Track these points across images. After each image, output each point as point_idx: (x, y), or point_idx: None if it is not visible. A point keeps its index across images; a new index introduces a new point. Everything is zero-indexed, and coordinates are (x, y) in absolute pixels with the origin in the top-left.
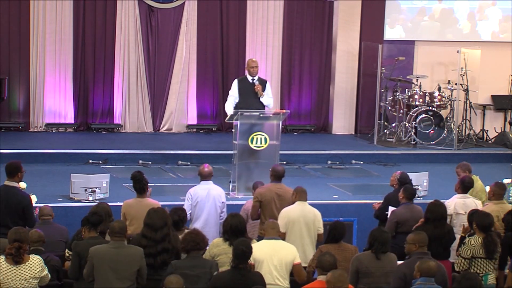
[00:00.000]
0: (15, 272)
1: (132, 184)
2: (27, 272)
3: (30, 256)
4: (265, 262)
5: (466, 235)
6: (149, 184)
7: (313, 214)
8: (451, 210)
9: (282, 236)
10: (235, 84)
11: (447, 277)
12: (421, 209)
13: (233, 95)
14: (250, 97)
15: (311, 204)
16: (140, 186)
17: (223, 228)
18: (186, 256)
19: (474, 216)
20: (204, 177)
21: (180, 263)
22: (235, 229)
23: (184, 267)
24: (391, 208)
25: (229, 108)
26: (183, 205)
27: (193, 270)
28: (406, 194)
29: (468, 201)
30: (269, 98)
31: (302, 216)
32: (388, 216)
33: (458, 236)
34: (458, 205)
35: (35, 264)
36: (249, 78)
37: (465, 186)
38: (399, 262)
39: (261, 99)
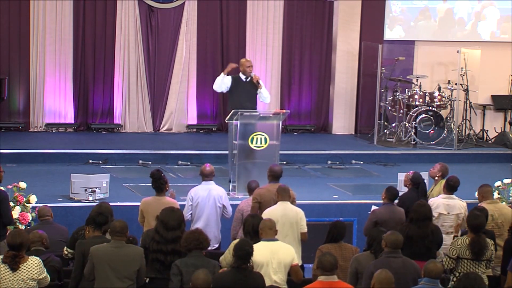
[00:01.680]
0: (12, 273)
1: (151, 182)
2: (25, 273)
3: (29, 257)
4: (265, 266)
5: (458, 235)
6: (149, 185)
7: (295, 213)
8: (434, 209)
9: None
10: (229, 78)
11: (420, 275)
12: (403, 211)
13: (224, 79)
14: (242, 96)
15: (311, 204)
16: (157, 184)
17: (244, 229)
18: (188, 255)
19: (467, 216)
20: (206, 176)
21: (184, 262)
22: (257, 230)
23: (187, 266)
24: (373, 207)
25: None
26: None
27: (197, 269)
28: (388, 194)
29: (452, 202)
30: (267, 93)
31: (284, 215)
32: (369, 215)
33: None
34: (441, 205)
35: (34, 265)
36: (243, 77)
37: (450, 186)
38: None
39: (261, 91)
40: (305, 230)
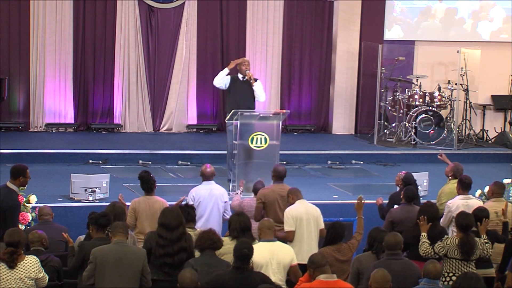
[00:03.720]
0: (10, 272)
1: (139, 184)
2: (22, 272)
3: (26, 256)
4: (265, 267)
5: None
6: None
7: (315, 210)
8: (454, 211)
9: (292, 235)
10: (228, 77)
11: (420, 276)
12: None
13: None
14: (240, 96)
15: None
16: (148, 186)
17: (230, 226)
18: (201, 255)
19: (456, 216)
20: (207, 177)
21: (197, 261)
22: (244, 227)
23: (201, 265)
24: (395, 206)
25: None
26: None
27: (210, 268)
28: (405, 196)
29: (471, 202)
30: (262, 91)
31: (307, 213)
32: (386, 215)
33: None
34: (460, 206)
35: (31, 264)
36: (240, 76)
37: (465, 184)
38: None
39: (254, 88)
40: (323, 226)
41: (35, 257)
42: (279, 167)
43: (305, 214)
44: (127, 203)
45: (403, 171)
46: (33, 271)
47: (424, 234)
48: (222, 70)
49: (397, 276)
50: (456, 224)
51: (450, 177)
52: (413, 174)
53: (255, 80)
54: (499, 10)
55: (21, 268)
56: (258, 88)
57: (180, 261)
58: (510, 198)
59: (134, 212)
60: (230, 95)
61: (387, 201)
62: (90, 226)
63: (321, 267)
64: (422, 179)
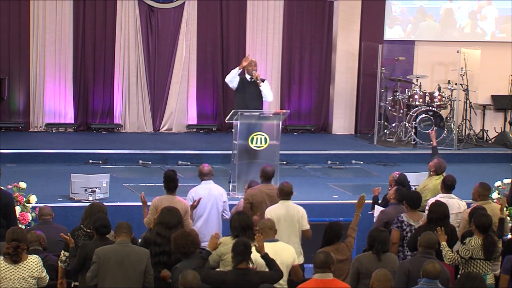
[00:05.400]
0: (13, 271)
1: (163, 182)
2: (25, 271)
3: (29, 255)
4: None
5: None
6: (149, 184)
7: (297, 211)
8: None
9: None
10: (237, 77)
11: (449, 278)
12: None
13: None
14: (247, 96)
15: (311, 204)
16: (173, 184)
17: (231, 226)
18: (183, 260)
19: (474, 216)
20: (204, 175)
21: (183, 265)
22: (244, 225)
23: (188, 268)
24: (379, 208)
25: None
26: None
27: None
28: (397, 196)
29: (451, 201)
30: (269, 91)
31: (287, 214)
32: (377, 216)
33: None
34: None
35: (34, 263)
36: (248, 77)
37: (447, 185)
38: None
39: (261, 88)
40: (307, 227)
41: (37, 256)
42: (267, 168)
43: (283, 216)
44: (120, 203)
45: (397, 172)
46: (36, 270)
47: (444, 243)
48: (222, 69)
49: None
50: (477, 225)
51: (431, 172)
52: (412, 174)
53: (262, 80)
54: (498, 10)
55: (24, 267)
56: (265, 88)
57: (177, 260)
58: None
59: (156, 209)
60: (238, 96)
61: (380, 200)
62: (91, 228)
63: (319, 268)
64: (422, 179)
